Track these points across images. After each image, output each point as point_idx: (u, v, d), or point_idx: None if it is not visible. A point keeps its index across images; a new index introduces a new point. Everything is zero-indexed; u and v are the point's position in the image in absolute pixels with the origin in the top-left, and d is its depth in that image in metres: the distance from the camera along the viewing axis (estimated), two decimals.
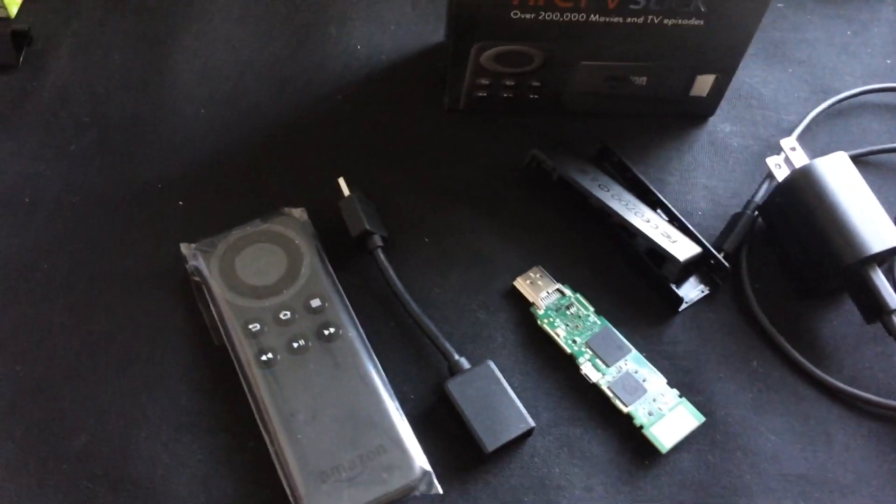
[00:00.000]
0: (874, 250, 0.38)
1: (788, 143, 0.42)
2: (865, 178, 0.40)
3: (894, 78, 0.50)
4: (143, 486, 0.35)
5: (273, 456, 0.35)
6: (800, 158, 0.42)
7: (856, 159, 0.46)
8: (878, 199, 0.40)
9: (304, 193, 0.44)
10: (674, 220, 0.42)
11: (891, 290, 0.38)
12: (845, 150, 0.46)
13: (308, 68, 0.49)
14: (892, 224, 0.39)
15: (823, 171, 0.40)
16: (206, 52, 0.49)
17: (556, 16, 0.41)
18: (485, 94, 0.46)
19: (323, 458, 0.34)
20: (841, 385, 0.39)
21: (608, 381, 0.38)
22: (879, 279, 0.38)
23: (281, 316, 0.37)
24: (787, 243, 0.42)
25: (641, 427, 0.37)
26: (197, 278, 0.39)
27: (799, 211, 0.40)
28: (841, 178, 0.40)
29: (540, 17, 0.41)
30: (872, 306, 0.39)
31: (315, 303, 0.38)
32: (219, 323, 0.38)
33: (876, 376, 0.40)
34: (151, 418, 0.36)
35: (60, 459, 0.35)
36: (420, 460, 0.34)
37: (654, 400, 0.37)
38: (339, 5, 0.51)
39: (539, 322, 0.40)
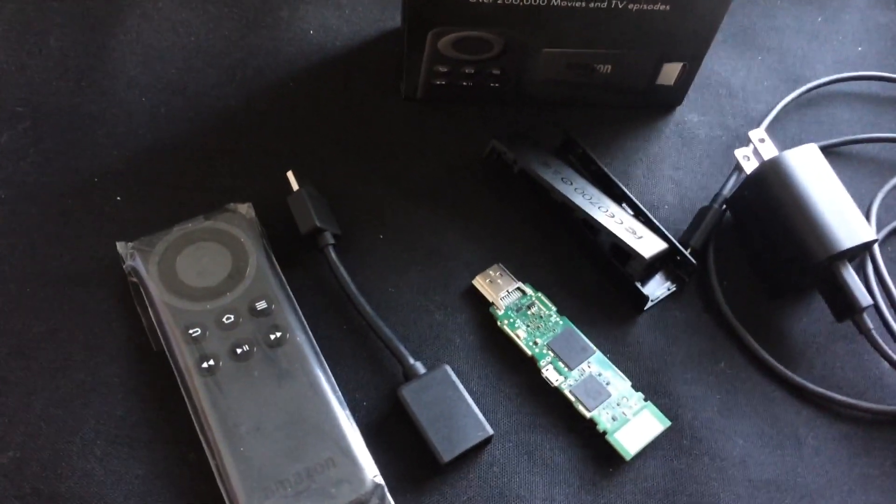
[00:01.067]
0: (845, 246, 0.36)
1: (757, 134, 0.41)
2: (836, 169, 0.39)
3: (865, 66, 0.49)
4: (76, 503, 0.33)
5: (214, 470, 0.32)
6: (768, 150, 0.40)
7: (827, 150, 0.45)
8: (850, 190, 0.39)
9: (253, 187, 0.41)
10: (639, 214, 0.41)
11: (862, 287, 0.37)
12: (816, 140, 0.45)
13: (258, 54, 0.46)
14: (864, 219, 0.37)
15: (793, 163, 0.38)
16: (150, 37, 0.46)
17: (517, 0, 0.39)
18: (443, 83, 0.44)
19: (267, 472, 0.32)
20: (811, 385, 0.37)
21: (570, 385, 0.36)
22: (850, 276, 0.37)
23: (224, 320, 0.35)
24: (756, 239, 0.40)
25: (605, 433, 0.35)
26: (134, 279, 0.37)
27: (767, 205, 0.38)
28: (811, 171, 0.38)
29: (499, 2, 0.39)
30: (843, 304, 0.38)
31: (261, 305, 0.36)
32: (157, 327, 0.35)
33: (847, 376, 0.38)
34: (86, 430, 0.34)
35: None
36: (371, 472, 0.32)
37: (619, 404, 0.36)
38: None
39: (499, 323, 0.38)
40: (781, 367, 0.38)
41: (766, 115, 0.45)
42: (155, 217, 0.39)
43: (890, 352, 0.37)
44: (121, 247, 0.37)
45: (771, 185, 0.38)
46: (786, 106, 0.46)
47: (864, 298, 0.37)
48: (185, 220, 0.38)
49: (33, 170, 0.41)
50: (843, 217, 0.37)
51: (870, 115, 0.47)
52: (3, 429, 0.34)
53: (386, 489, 0.32)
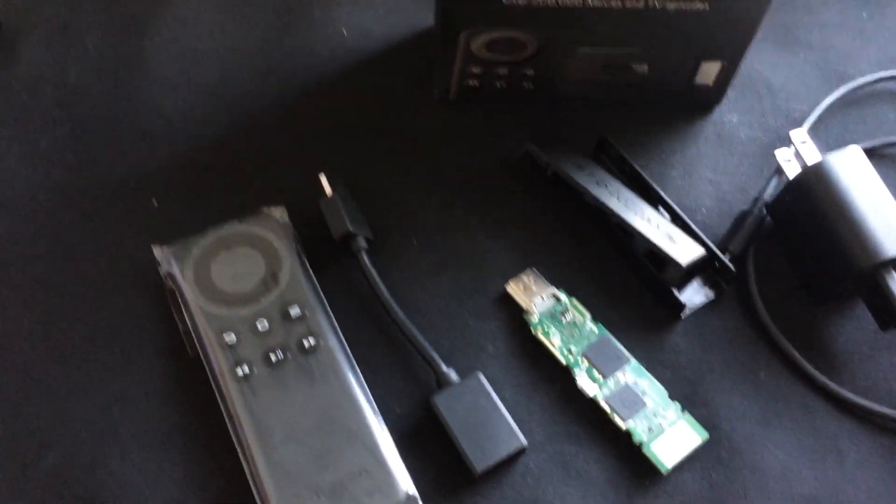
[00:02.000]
0: (891, 254, 0.35)
1: (799, 135, 0.40)
2: (882, 171, 0.38)
3: None
4: None
5: (249, 477, 0.33)
6: (811, 152, 0.39)
7: (871, 152, 0.44)
8: (895, 193, 0.37)
9: (287, 190, 0.41)
10: (676, 218, 0.40)
11: None
12: (860, 141, 0.44)
13: (292, 55, 0.46)
14: None
15: (836, 167, 0.37)
16: (185, 39, 0.46)
17: (551, 0, 0.38)
18: (477, 84, 0.43)
19: (301, 479, 0.32)
20: (853, 397, 0.37)
21: (606, 395, 0.36)
22: None
23: (258, 326, 0.35)
24: (798, 245, 0.39)
25: (641, 445, 0.35)
26: (170, 283, 0.37)
27: (810, 211, 0.37)
28: (855, 175, 0.37)
29: (533, 2, 0.38)
30: (888, 313, 0.36)
31: (294, 311, 0.36)
32: (193, 332, 0.36)
33: (891, 387, 0.37)
34: (124, 435, 0.35)
35: (29, 479, 0.33)
36: (405, 483, 0.32)
37: (655, 415, 0.35)
38: None
39: (533, 330, 0.37)
40: (823, 378, 0.37)
41: (809, 115, 0.44)
42: (190, 220, 0.39)
43: None
44: (157, 251, 0.37)
45: (814, 191, 0.37)
46: (829, 105, 0.45)
47: None
48: (220, 223, 0.38)
49: (71, 174, 0.41)
50: (888, 223, 0.36)
51: None
52: (44, 434, 0.34)
53: (419, 500, 0.32)
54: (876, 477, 0.35)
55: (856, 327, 0.39)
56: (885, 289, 0.36)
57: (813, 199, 0.37)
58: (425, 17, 0.48)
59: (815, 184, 0.37)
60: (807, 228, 0.38)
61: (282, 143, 0.43)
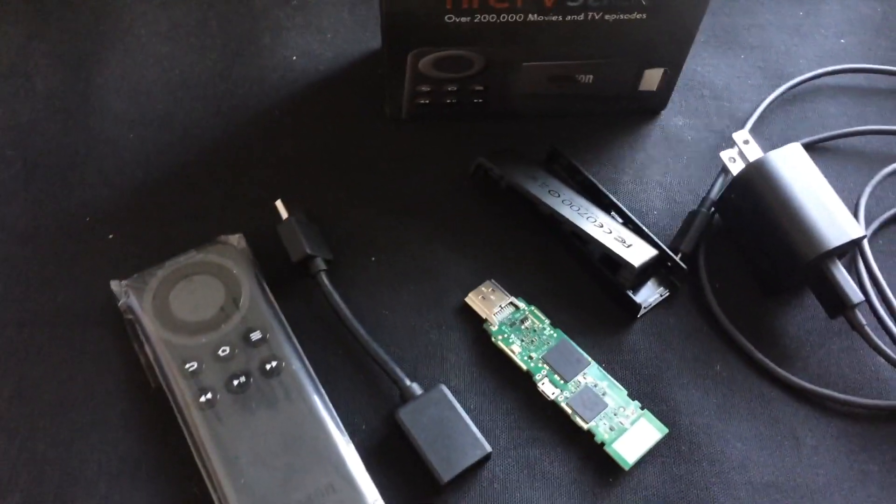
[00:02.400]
0: (832, 245, 0.36)
1: (741, 136, 0.41)
2: (824, 164, 0.39)
3: (849, 58, 0.49)
4: None
5: (216, 502, 0.33)
6: (753, 151, 0.40)
7: (813, 146, 0.45)
8: (838, 185, 0.39)
9: (244, 217, 0.42)
10: (628, 222, 0.41)
11: (852, 283, 0.37)
12: (803, 136, 0.45)
13: (243, 83, 0.47)
14: (850, 216, 0.38)
15: (777, 164, 0.38)
16: (134, 73, 0.47)
17: (493, 17, 0.39)
18: (427, 102, 0.44)
19: (269, 501, 0.32)
20: (807, 384, 0.38)
21: (567, 398, 0.36)
22: (840, 273, 0.37)
23: (220, 353, 0.36)
24: (746, 240, 0.40)
25: (603, 444, 0.35)
26: (130, 316, 0.37)
27: (755, 207, 0.38)
28: (795, 170, 0.38)
29: (476, 20, 0.39)
30: (835, 301, 0.38)
31: (255, 336, 0.36)
32: (154, 363, 0.36)
33: (842, 372, 0.38)
34: (88, 469, 0.34)
35: None
36: (372, 497, 0.33)
37: (616, 414, 0.36)
38: (272, 14, 0.49)
39: (493, 339, 0.38)
40: (777, 368, 0.38)
41: (751, 115, 0.45)
42: (147, 252, 0.40)
43: (884, 347, 0.37)
44: (115, 285, 0.38)
45: (756, 187, 0.38)
46: (770, 104, 0.46)
47: (856, 295, 0.37)
48: (177, 254, 0.38)
49: (25, 213, 0.41)
50: (829, 215, 0.37)
51: (856, 107, 0.47)
52: (7, 473, 0.34)
53: None
54: (831, 460, 0.36)
55: (806, 317, 0.40)
56: (829, 278, 0.37)
57: (756, 195, 0.38)
58: (373, 38, 0.48)
59: (757, 180, 0.38)
60: (752, 224, 0.39)
61: (237, 172, 0.43)
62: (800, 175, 0.38)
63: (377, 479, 0.34)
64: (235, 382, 0.35)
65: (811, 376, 0.38)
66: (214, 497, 0.33)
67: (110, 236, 0.41)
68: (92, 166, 0.43)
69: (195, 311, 0.37)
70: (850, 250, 0.39)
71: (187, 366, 0.35)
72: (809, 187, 0.38)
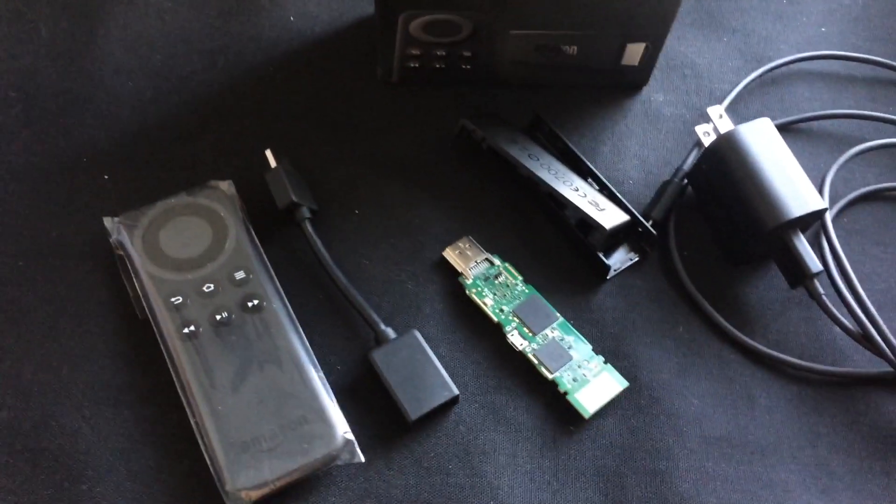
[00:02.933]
0: (795, 214, 0.38)
1: (716, 110, 0.42)
2: (796, 145, 0.41)
3: (828, 46, 0.51)
4: (65, 460, 0.35)
5: (195, 428, 0.34)
6: (726, 126, 0.42)
7: (786, 127, 0.47)
8: (808, 166, 0.40)
9: (234, 166, 0.43)
10: (603, 188, 0.42)
11: (812, 254, 0.39)
12: (777, 117, 0.47)
13: (240, 40, 0.48)
14: (814, 189, 0.39)
15: (746, 136, 0.40)
16: (136, 24, 0.48)
17: None
18: (417, 66, 0.46)
19: (244, 429, 0.34)
20: (764, 349, 0.39)
21: (534, 349, 0.38)
22: (801, 244, 0.39)
23: (204, 289, 0.37)
24: (714, 210, 0.42)
25: (566, 393, 0.37)
26: (120, 252, 0.39)
27: (723, 177, 0.40)
28: (764, 143, 0.40)
29: None
30: (795, 271, 0.39)
31: (239, 275, 0.38)
32: (141, 296, 0.37)
33: (800, 340, 0.40)
34: (74, 392, 0.36)
35: None
36: (342, 429, 0.34)
37: (580, 366, 0.38)
38: None
39: (467, 291, 0.40)
40: (737, 332, 0.40)
41: (729, 94, 0.47)
42: (140, 194, 0.41)
43: (840, 317, 0.39)
44: (107, 221, 0.39)
45: (726, 158, 0.40)
46: (748, 85, 0.48)
47: (815, 265, 0.39)
48: (168, 196, 0.40)
49: (24, 151, 0.43)
50: (793, 187, 0.39)
51: (830, 93, 0.49)
52: None
53: (356, 445, 0.34)
54: (783, 419, 0.38)
55: (768, 287, 0.42)
56: (790, 248, 0.39)
57: (725, 165, 0.40)
58: (368, 4, 0.50)
59: (726, 151, 0.40)
60: (720, 194, 0.41)
61: (229, 123, 0.45)
62: (768, 148, 0.40)
63: (349, 415, 0.35)
64: (218, 317, 0.36)
65: (770, 342, 0.40)
66: (192, 423, 0.35)
67: (105, 177, 0.42)
68: (90, 111, 0.45)
69: (183, 250, 0.38)
70: (812, 223, 0.41)
71: (173, 299, 0.37)
72: (776, 160, 0.39)
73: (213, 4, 0.49)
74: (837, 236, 0.40)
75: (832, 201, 0.43)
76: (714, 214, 0.42)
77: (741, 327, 0.40)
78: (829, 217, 0.40)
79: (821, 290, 0.39)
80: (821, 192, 0.42)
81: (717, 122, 0.42)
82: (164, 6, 0.49)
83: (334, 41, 0.49)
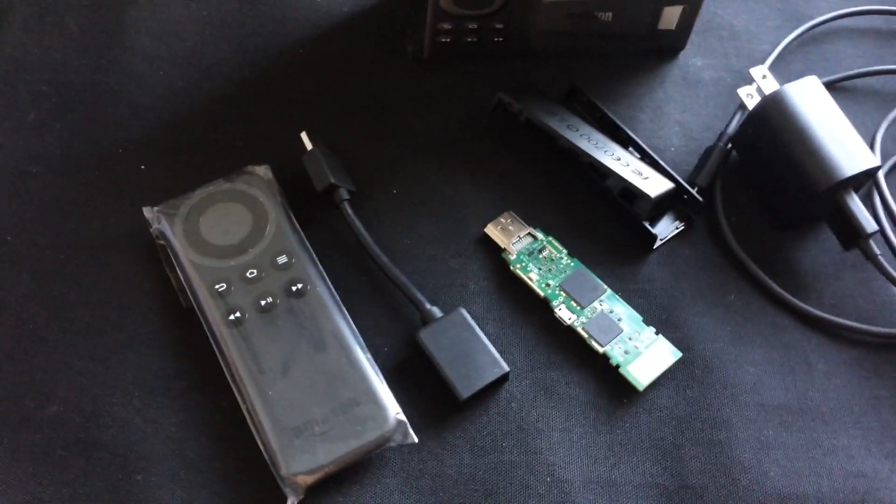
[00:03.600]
0: (848, 174, 0.37)
1: (759, 71, 0.41)
2: (841, 104, 0.39)
3: (869, 1, 0.49)
4: (118, 451, 0.35)
5: (246, 414, 0.34)
6: (771, 86, 0.41)
7: (831, 86, 0.45)
8: (856, 123, 0.39)
9: (270, 150, 0.43)
10: (645, 157, 0.42)
11: (867, 213, 0.38)
12: (821, 76, 0.45)
13: (267, 23, 0.48)
14: (866, 147, 0.38)
15: (794, 96, 0.39)
16: (163, 12, 0.48)
17: None
18: (448, 41, 0.45)
19: (295, 413, 0.34)
20: (820, 313, 0.38)
21: (583, 323, 0.37)
22: (855, 203, 0.38)
23: (248, 274, 0.37)
24: (761, 173, 0.41)
25: (618, 366, 0.36)
26: (162, 241, 0.38)
27: (771, 139, 0.39)
28: (812, 102, 0.39)
29: None
30: (849, 232, 0.38)
31: (282, 259, 0.37)
32: (185, 285, 0.37)
33: (856, 303, 0.39)
34: (123, 383, 0.36)
35: (33, 428, 0.35)
36: (394, 411, 0.34)
37: (630, 338, 0.37)
38: None
39: (511, 267, 0.39)
40: (790, 297, 0.39)
41: (770, 55, 0.46)
42: (177, 183, 0.41)
43: None
44: (147, 211, 0.39)
45: (773, 119, 0.39)
46: (789, 44, 0.46)
47: (870, 224, 0.38)
48: (207, 183, 0.40)
49: (60, 144, 0.43)
50: (844, 146, 0.38)
51: (874, 48, 0.47)
52: (46, 385, 0.36)
53: (409, 425, 0.34)
54: (843, 384, 0.37)
55: (821, 249, 0.40)
56: (844, 208, 0.38)
57: (772, 127, 0.39)
58: None
59: (773, 112, 0.39)
60: (768, 157, 0.40)
61: (262, 108, 0.44)
62: (816, 107, 0.39)
63: (399, 397, 0.35)
64: (262, 302, 0.36)
65: (825, 306, 0.39)
66: (243, 408, 0.34)
67: (142, 167, 0.42)
68: (123, 102, 0.44)
69: (224, 236, 0.38)
70: (865, 182, 0.40)
71: (217, 287, 0.37)
72: (825, 119, 0.38)
73: None
74: (892, 194, 0.39)
75: (883, 158, 0.42)
76: (762, 178, 0.41)
77: (794, 292, 0.39)
78: (881, 175, 0.39)
79: (876, 250, 0.38)
80: (872, 149, 0.41)
81: (760, 83, 0.41)
82: None
83: (362, 20, 0.48)
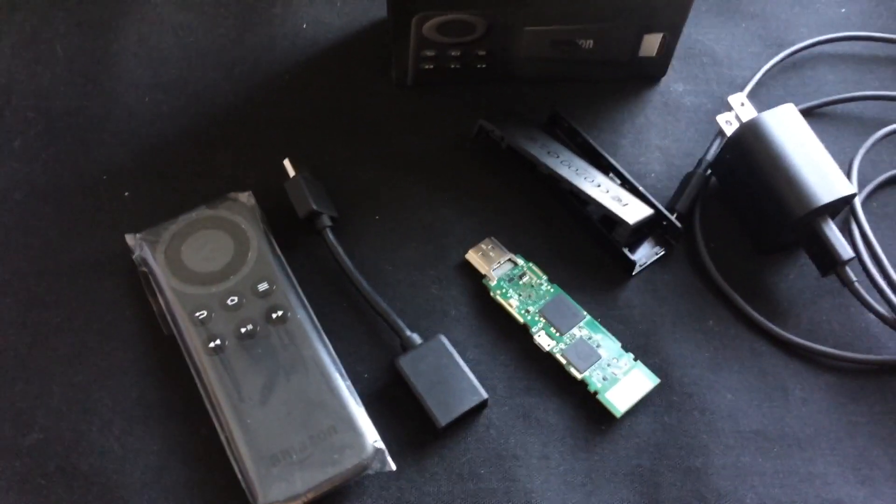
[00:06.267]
0: (823, 201, 0.37)
1: (737, 99, 0.42)
2: (820, 129, 0.40)
3: (849, 27, 0.50)
4: (98, 479, 0.35)
5: (224, 442, 0.34)
6: (749, 114, 0.41)
7: (810, 111, 0.46)
8: (835, 149, 0.40)
9: (254, 177, 0.43)
10: (625, 183, 0.42)
11: (843, 240, 0.38)
12: (800, 102, 0.46)
13: (254, 50, 0.48)
14: (842, 174, 0.38)
15: (770, 123, 0.39)
16: (150, 39, 0.48)
17: None
18: (432, 67, 0.45)
19: (273, 441, 0.34)
20: (797, 339, 0.39)
21: (562, 349, 0.38)
22: (831, 230, 0.38)
23: (228, 302, 0.37)
24: (740, 199, 0.41)
25: (596, 393, 0.36)
26: (143, 268, 0.39)
27: (748, 165, 0.39)
28: (789, 129, 0.39)
29: None
30: (826, 258, 0.39)
31: (263, 287, 0.38)
32: (166, 312, 0.37)
33: (833, 329, 0.39)
34: (103, 411, 0.36)
35: (13, 456, 0.35)
36: (372, 438, 0.34)
37: (609, 365, 0.37)
38: None
39: (492, 293, 0.39)
40: (768, 323, 0.39)
41: (750, 81, 0.46)
42: (161, 210, 0.41)
43: (874, 303, 0.38)
44: (129, 238, 0.39)
45: (750, 146, 0.39)
46: (769, 70, 0.47)
47: (846, 251, 0.38)
48: (189, 210, 0.40)
49: (45, 171, 0.43)
50: (821, 173, 0.38)
51: (854, 74, 0.48)
52: (26, 413, 0.36)
53: (387, 453, 0.34)
54: (820, 410, 0.37)
55: (798, 275, 0.41)
56: (820, 235, 0.38)
57: (750, 154, 0.39)
58: (381, 8, 0.49)
59: (750, 140, 0.39)
60: (746, 183, 0.40)
61: (247, 134, 0.45)
62: (793, 134, 0.39)
63: (378, 424, 0.35)
64: (243, 330, 0.36)
65: (802, 332, 0.39)
66: (222, 437, 0.34)
67: (126, 194, 0.42)
68: (109, 128, 0.45)
69: (206, 263, 0.38)
70: (842, 209, 0.40)
71: (197, 314, 0.37)
72: (802, 146, 0.39)
73: (227, 17, 0.49)
74: (868, 221, 0.39)
75: (860, 185, 0.42)
76: (740, 204, 0.41)
77: (772, 318, 0.39)
78: (858, 202, 0.39)
79: (853, 276, 0.38)
80: (849, 176, 0.41)
81: (738, 111, 0.41)
82: (178, 20, 0.49)
83: (348, 47, 0.48)
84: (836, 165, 0.39)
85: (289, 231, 0.41)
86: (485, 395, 0.36)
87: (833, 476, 0.35)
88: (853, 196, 0.38)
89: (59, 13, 0.49)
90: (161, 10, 0.50)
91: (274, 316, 0.37)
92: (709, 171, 0.42)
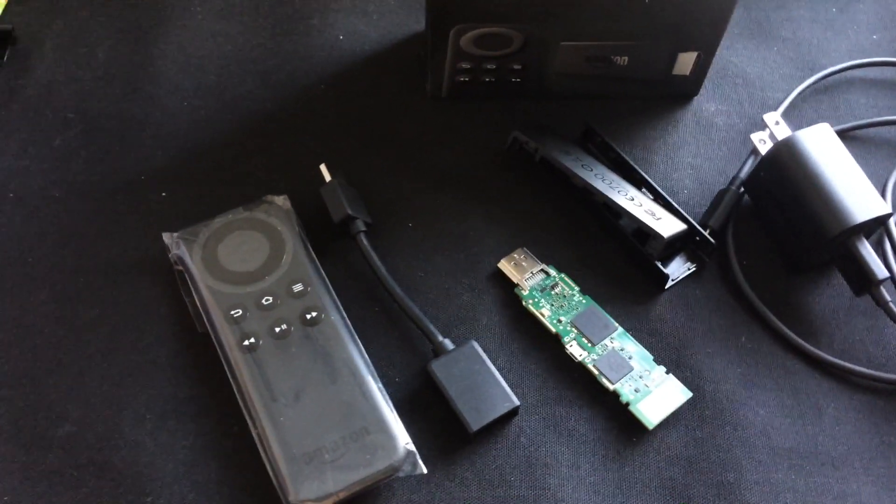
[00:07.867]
0: (859, 220, 0.37)
1: (772, 117, 0.42)
2: (853, 151, 0.40)
3: (881, 53, 0.50)
4: (129, 473, 0.35)
5: (257, 440, 0.34)
6: (783, 132, 0.41)
7: (842, 134, 0.46)
8: (867, 172, 0.40)
9: (289, 181, 0.44)
10: (658, 198, 0.42)
11: (878, 260, 0.38)
12: (833, 125, 0.45)
13: (291, 59, 0.49)
14: (877, 193, 0.38)
15: (806, 142, 0.39)
16: (189, 46, 0.49)
17: None
18: (467, 79, 0.46)
19: (306, 440, 0.34)
20: (831, 358, 0.38)
21: (594, 360, 0.38)
22: (866, 250, 0.38)
23: (263, 301, 0.37)
24: (773, 217, 0.41)
25: (628, 404, 0.36)
26: (180, 267, 0.39)
27: (783, 184, 0.40)
28: (824, 148, 0.39)
29: None
30: (860, 278, 0.38)
31: (297, 288, 0.38)
32: (201, 310, 0.38)
33: (867, 349, 0.39)
34: (136, 406, 0.36)
35: (46, 448, 0.35)
36: (404, 441, 0.34)
37: (641, 377, 0.37)
38: None
39: (524, 302, 0.39)
40: (801, 341, 0.39)
41: (783, 102, 0.46)
42: (197, 211, 0.42)
43: None
44: (166, 237, 0.40)
45: (785, 164, 0.39)
46: (802, 92, 0.47)
47: (881, 271, 0.38)
48: (226, 211, 0.40)
49: (84, 170, 0.44)
50: (856, 192, 0.38)
51: (885, 99, 0.48)
52: (60, 405, 0.36)
53: (418, 456, 0.34)
54: (853, 430, 0.37)
55: (832, 294, 0.41)
56: (855, 254, 0.38)
57: (784, 172, 0.39)
58: (416, 21, 0.50)
59: (785, 158, 0.39)
60: (780, 201, 0.40)
61: (283, 140, 0.45)
62: (828, 153, 0.39)
63: (410, 427, 0.35)
64: (277, 329, 0.37)
65: (835, 352, 0.39)
66: (254, 434, 0.34)
67: (163, 194, 0.43)
68: (147, 131, 0.45)
69: (241, 263, 0.39)
70: (876, 229, 0.40)
71: (232, 312, 0.37)
72: (837, 165, 0.39)
73: (265, 26, 0.50)
74: None
75: (895, 206, 0.42)
76: (774, 222, 0.41)
77: (805, 336, 0.39)
78: (893, 222, 0.39)
79: (887, 297, 0.38)
80: (883, 196, 0.41)
81: (773, 129, 0.42)
82: (217, 28, 0.50)
83: (383, 59, 0.49)
84: (871, 185, 0.39)
85: (323, 236, 0.41)
86: (517, 401, 0.36)
87: (867, 495, 0.35)
88: (888, 216, 0.38)
89: (100, 19, 0.50)
90: (200, 19, 0.50)
91: (308, 317, 0.37)
92: (742, 189, 0.43)
